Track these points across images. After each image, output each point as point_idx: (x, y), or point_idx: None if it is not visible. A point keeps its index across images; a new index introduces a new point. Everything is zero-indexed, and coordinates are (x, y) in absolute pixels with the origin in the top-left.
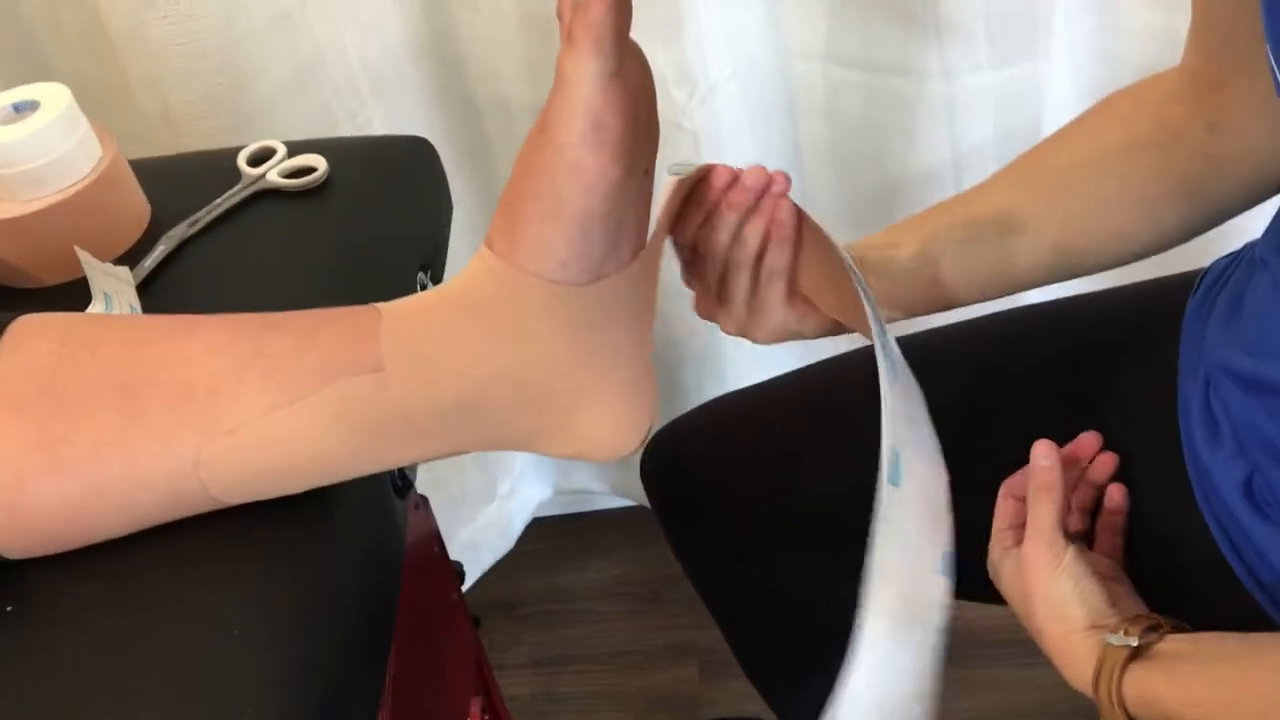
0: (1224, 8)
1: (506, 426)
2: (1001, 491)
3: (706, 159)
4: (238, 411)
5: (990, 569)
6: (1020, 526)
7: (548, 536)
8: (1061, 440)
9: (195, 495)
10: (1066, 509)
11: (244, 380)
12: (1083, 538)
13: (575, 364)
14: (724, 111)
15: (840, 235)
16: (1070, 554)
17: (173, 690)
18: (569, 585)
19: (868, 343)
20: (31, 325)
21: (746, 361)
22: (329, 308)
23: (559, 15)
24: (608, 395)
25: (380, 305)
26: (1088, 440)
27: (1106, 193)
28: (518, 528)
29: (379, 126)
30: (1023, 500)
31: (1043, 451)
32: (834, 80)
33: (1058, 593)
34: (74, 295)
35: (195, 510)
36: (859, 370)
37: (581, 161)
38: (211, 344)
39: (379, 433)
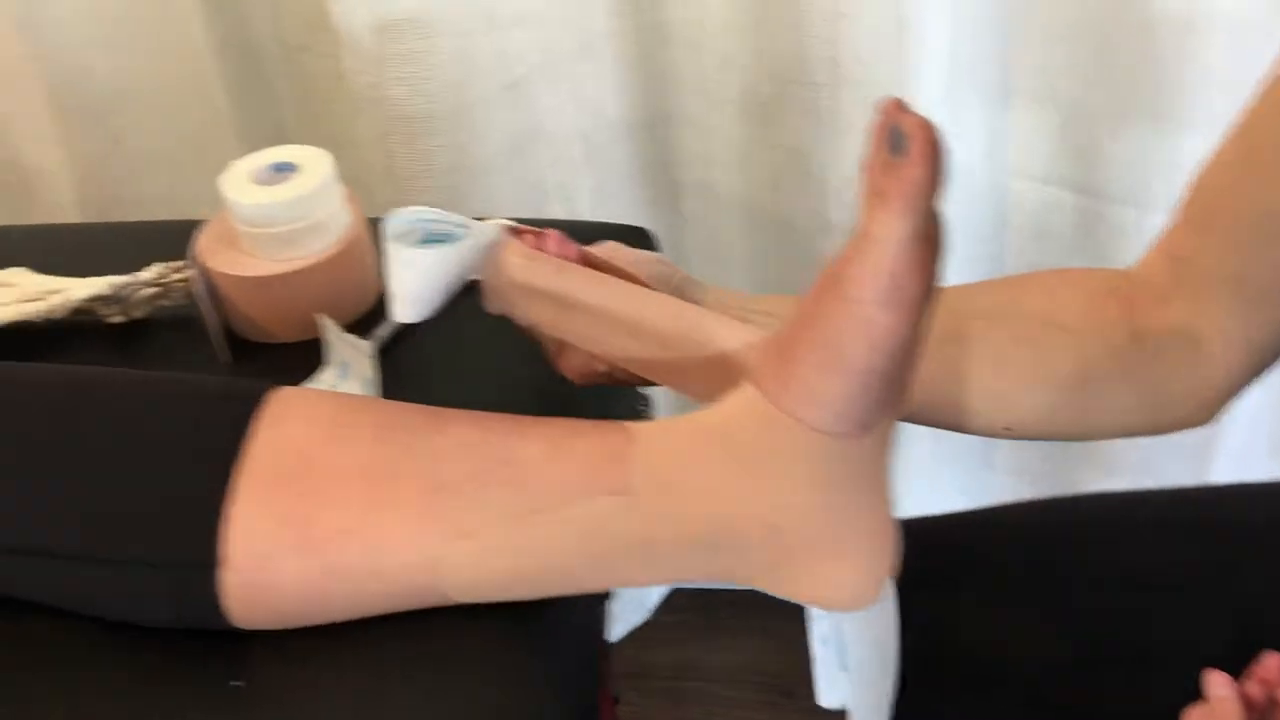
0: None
1: (743, 563)
2: None
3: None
4: (482, 517)
5: None
6: None
7: (682, 609)
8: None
9: (426, 590)
10: None
11: (490, 485)
12: None
13: (829, 515)
14: None
15: None
16: None
17: None
18: (701, 663)
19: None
20: (288, 400)
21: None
22: (577, 419)
23: (866, 168)
24: (851, 548)
25: (629, 425)
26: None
27: (999, 348)
28: (654, 598)
29: (585, 198)
30: None
31: (1219, 682)
32: (1049, 201)
33: None
34: (306, 355)
35: (422, 604)
36: None
37: (874, 319)
38: (460, 442)
39: (618, 554)
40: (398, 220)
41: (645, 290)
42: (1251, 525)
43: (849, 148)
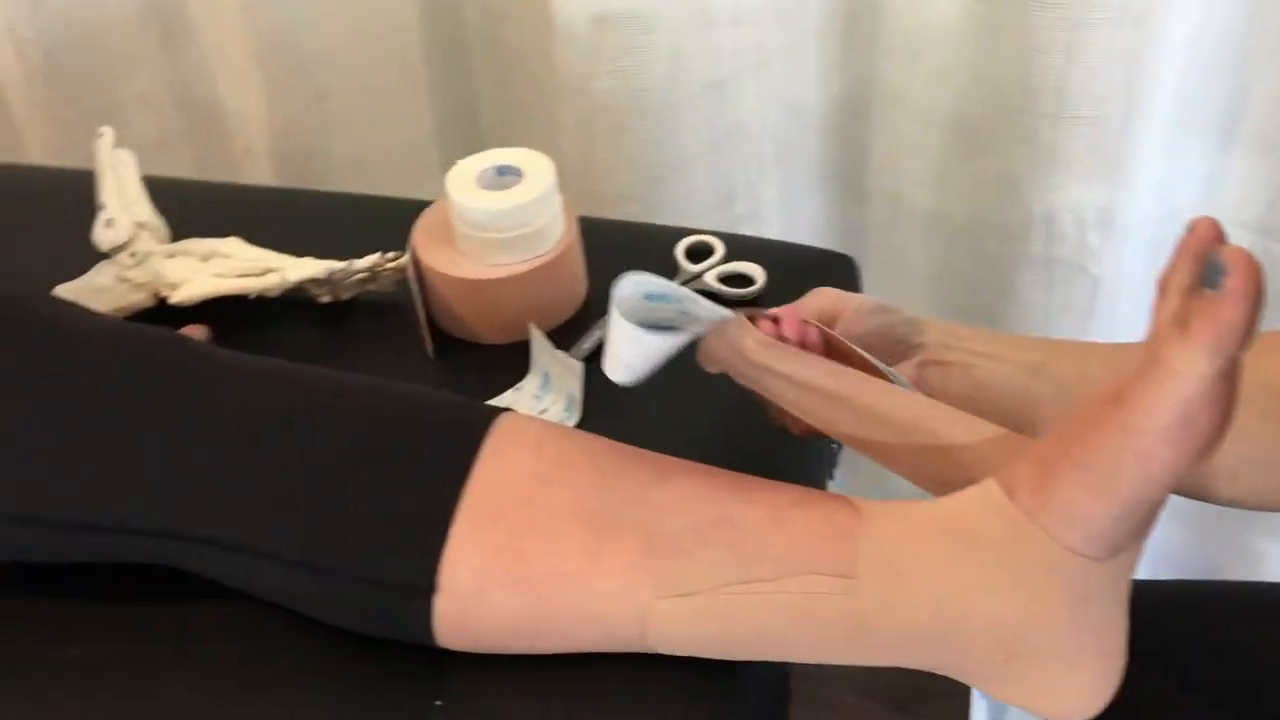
0: None
1: (963, 660)
2: None
3: (1105, 306)
4: (697, 577)
5: None
6: None
7: None
8: None
9: (631, 639)
10: None
11: (709, 546)
12: None
13: (1065, 631)
14: (1131, 260)
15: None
16: None
17: None
18: (826, 670)
19: None
20: (512, 431)
21: None
22: (802, 486)
23: (1161, 287)
24: (1084, 663)
25: (857, 502)
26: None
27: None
28: None
29: (771, 197)
30: None
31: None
32: (1263, 252)
33: None
34: (508, 357)
35: (624, 649)
36: None
37: (1154, 453)
38: (682, 497)
39: (830, 633)
40: (626, 290)
41: (882, 383)
42: None
43: (1063, 182)
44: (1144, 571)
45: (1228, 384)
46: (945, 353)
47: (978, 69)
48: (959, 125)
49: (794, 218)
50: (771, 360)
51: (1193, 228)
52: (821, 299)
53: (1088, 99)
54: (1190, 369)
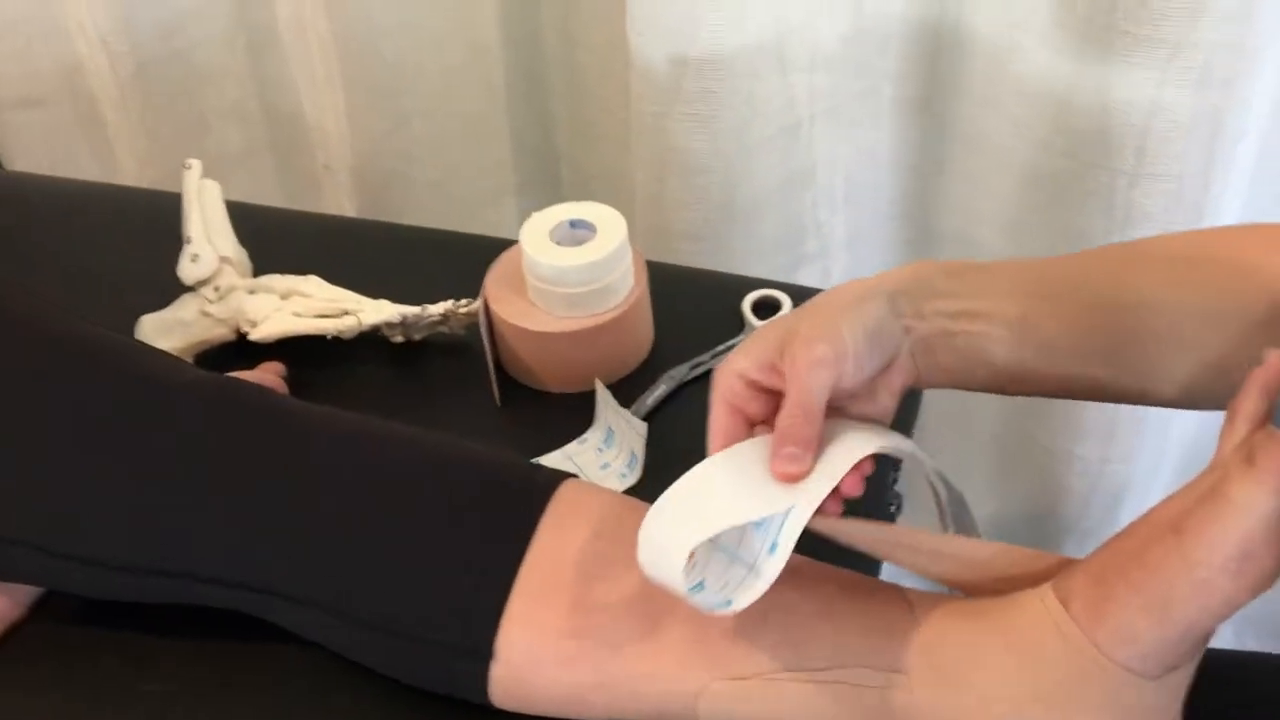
0: None
1: None
2: None
3: None
4: (749, 663)
5: None
6: None
7: None
8: None
9: (683, 715)
10: None
11: (764, 632)
12: None
13: None
14: None
15: None
16: None
17: None
18: None
19: None
20: (574, 500)
21: None
22: (855, 573)
23: (1230, 415)
24: None
25: (910, 594)
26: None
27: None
28: None
29: (840, 235)
30: None
31: None
32: None
33: None
34: (573, 407)
35: None
36: None
37: (1213, 584)
38: None
39: None
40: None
41: (942, 536)
42: None
43: (1139, 235)
44: (1225, 635)
45: None
46: (922, 326)
47: (1060, 121)
48: (1036, 176)
49: (862, 254)
50: (835, 534)
51: (1265, 361)
52: (819, 377)
53: (1168, 160)
54: (1252, 504)
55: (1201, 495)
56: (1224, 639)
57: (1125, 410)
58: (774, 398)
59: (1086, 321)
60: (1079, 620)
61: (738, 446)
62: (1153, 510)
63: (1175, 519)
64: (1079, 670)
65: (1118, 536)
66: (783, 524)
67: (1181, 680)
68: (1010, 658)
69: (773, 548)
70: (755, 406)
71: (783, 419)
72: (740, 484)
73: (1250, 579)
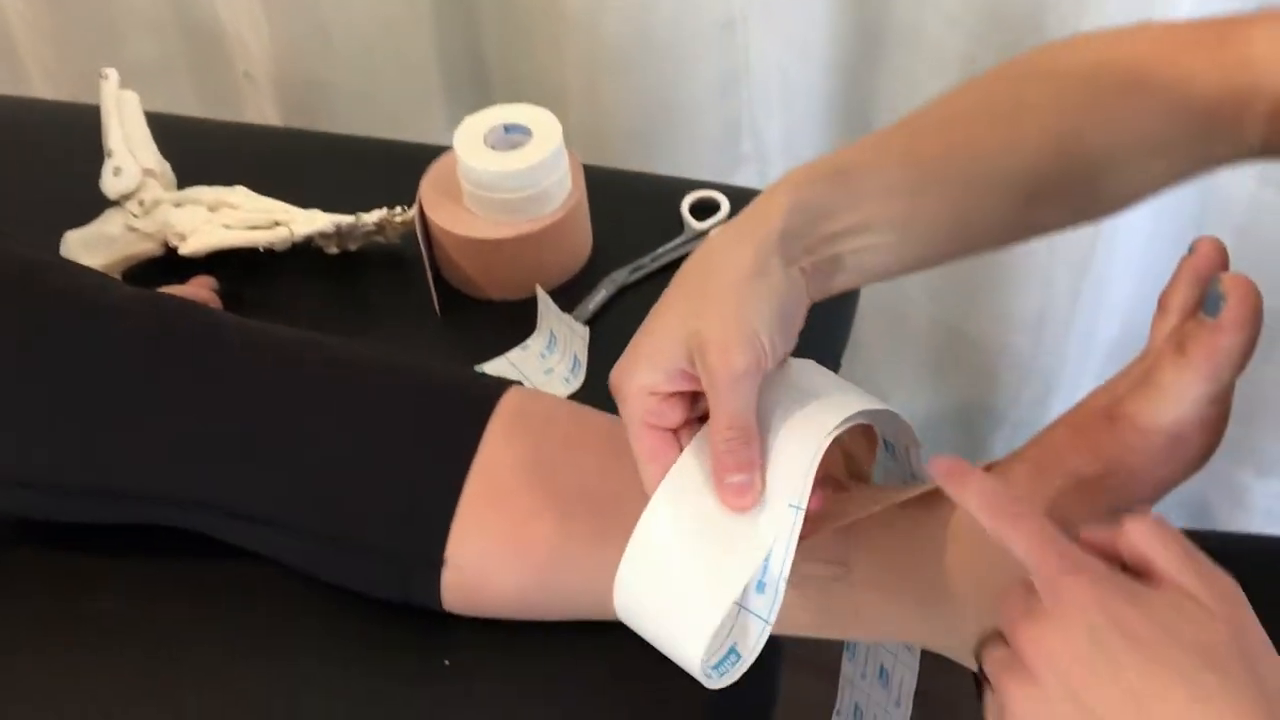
0: None
1: (957, 634)
2: None
3: (1103, 253)
4: None
5: None
6: None
7: None
8: None
9: None
10: None
11: None
12: None
13: None
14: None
15: None
16: None
17: None
18: None
19: None
20: (519, 408)
21: None
22: None
23: (1161, 306)
24: None
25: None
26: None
27: None
28: None
29: (775, 138)
30: None
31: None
32: (1261, 201)
33: None
34: (514, 315)
35: None
36: None
37: (1146, 469)
38: None
39: (829, 613)
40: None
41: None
42: None
43: None
44: None
45: (1220, 407)
46: (813, 259)
47: (992, 14)
48: (971, 71)
49: (798, 154)
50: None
51: (1194, 249)
52: (745, 390)
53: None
54: (1185, 393)
55: (1134, 383)
56: None
57: (1054, 303)
58: (691, 398)
59: (980, 203)
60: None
61: (678, 480)
62: (1087, 398)
63: (1109, 406)
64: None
65: (1053, 425)
66: (766, 565)
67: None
68: (952, 548)
69: (760, 586)
70: (675, 416)
71: (718, 442)
72: (705, 538)
73: (1181, 463)
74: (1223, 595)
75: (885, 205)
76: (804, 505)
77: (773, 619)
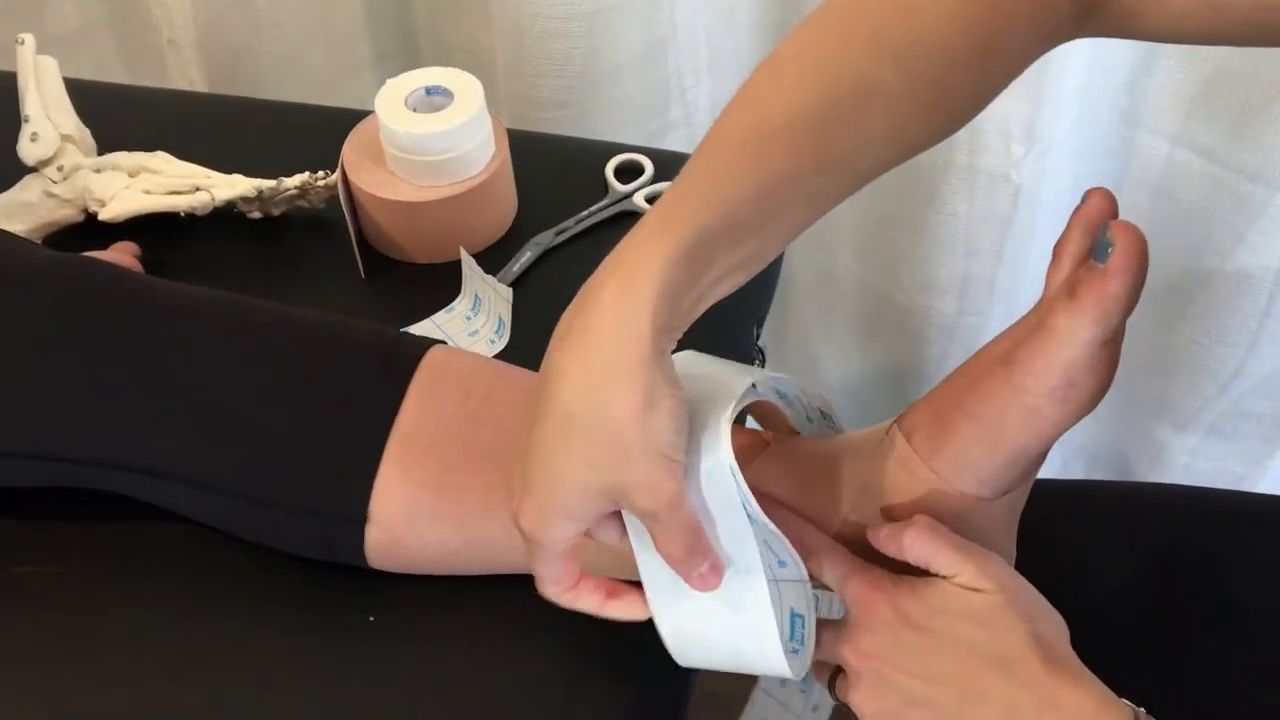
0: None
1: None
2: None
3: (1025, 213)
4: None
5: None
6: None
7: None
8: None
9: None
10: None
11: None
12: None
13: None
14: (1053, 168)
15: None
16: None
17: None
18: None
19: None
20: (441, 365)
21: None
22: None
23: (1055, 254)
24: None
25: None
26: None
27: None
28: None
29: (704, 102)
30: None
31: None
32: (1176, 162)
33: None
34: (438, 277)
35: None
36: None
37: (1041, 411)
38: None
39: None
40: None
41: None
42: None
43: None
44: (1054, 464)
45: (1110, 349)
46: (678, 333)
47: None
48: None
49: None
50: None
51: (1085, 199)
52: (684, 512)
53: None
54: (1072, 335)
55: (1029, 329)
56: (1052, 468)
57: (975, 265)
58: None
59: (834, 202)
60: (920, 450)
61: (658, 585)
62: (985, 346)
63: (1005, 352)
64: (917, 494)
65: (954, 373)
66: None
67: (1016, 501)
68: (860, 482)
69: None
70: (586, 539)
71: (676, 551)
72: (717, 612)
73: (1075, 404)
74: (993, 574)
75: (741, 251)
76: (758, 516)
77: (805, 575)
